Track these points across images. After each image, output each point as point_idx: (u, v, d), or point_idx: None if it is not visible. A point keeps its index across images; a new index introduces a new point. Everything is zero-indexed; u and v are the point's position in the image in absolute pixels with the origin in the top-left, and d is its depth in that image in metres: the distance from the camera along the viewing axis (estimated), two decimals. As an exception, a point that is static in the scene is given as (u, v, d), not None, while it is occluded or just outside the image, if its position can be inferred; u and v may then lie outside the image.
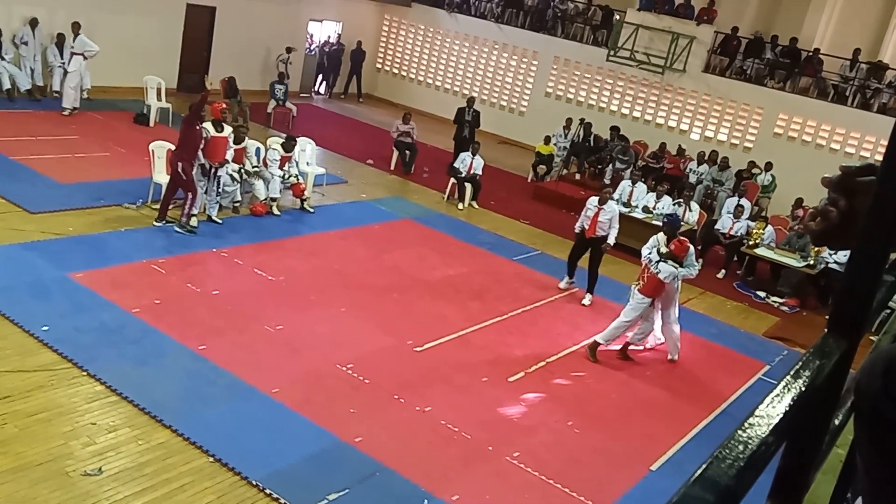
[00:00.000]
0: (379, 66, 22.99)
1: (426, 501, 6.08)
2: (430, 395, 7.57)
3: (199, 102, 10.23)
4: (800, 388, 0.68)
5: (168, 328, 7.80)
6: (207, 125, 10.52)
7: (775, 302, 12.19)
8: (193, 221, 10.38)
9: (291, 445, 6.44)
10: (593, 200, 10.47)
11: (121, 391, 6.66)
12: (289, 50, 19.68)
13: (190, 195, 10.14)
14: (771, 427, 0.59)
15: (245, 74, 16.74)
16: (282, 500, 5.76)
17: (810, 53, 17.52)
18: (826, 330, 0.86)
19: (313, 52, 21.27)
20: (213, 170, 10.61)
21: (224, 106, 11.32)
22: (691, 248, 9.05)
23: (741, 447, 0.55)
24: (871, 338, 3.31)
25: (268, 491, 5.82)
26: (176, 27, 17.49)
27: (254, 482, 5.89)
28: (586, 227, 10.40)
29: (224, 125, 10.85)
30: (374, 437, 6.74)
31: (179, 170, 10.04)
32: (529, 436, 7.29)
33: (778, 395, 0.66)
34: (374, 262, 10.75)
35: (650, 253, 8.94)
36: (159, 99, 15.27)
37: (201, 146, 10.30)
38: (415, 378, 7.86)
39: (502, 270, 11.29)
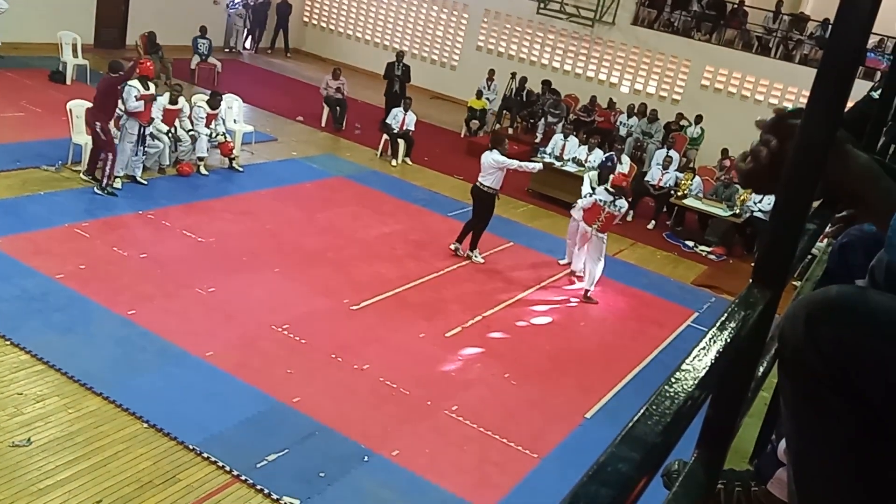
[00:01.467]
0: (306, 19, 22.43)
1: (366, 458, 6.12)
2: (368, 354, 7.58)
3: (130, 70, 9.89)
4: (725, 339, 0.69)
5: (95, 294, 7.59)
6: (135, 83, 10.15)
7: (703, 251, 12.53)
8: (117, 183, 10.06)
9: (228, 409, 6.39)
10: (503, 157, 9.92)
11: (47, 360, 6.47)
12: (246, 6, 19.50)
13: (110, 155, 9.81)
14: (697, 381, 0.59)
15: (165, 29, 16.11)
16: (220, 463, 5.73)
17: (735, 6, 17.79)
18: (751, 280, 0.88)
19: (237, 6, 20.63)
20: (142, 129, 10.28)
21: (151, 65, 10.90)
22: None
23: (668, 402, 0.55)
24: (795, 283, 3.42)
25: (205, 455, 5.78)
26: (90, -20, 16.68)
27: (191, 447, 5.83)
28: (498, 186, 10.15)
29: (150, 83, 10.47)
30: (312, 397, 6.73)
31: (98, 129, 9.70)
32: (467, 390, 7.38)
33: (704, 347, 0.66)
34: (307, 221, 10.61)
35: (601, 197, 9.65)
36: (75, 55, 14.62)
37: (120, 105, 9.97)
38: (352, 337, 7.86)
39: (437, 227, 11.28)
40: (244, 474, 5.67)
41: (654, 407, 0.54)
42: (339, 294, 8.65)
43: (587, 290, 9.85)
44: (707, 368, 0.62)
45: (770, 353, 1.30)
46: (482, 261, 10.24)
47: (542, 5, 18.13)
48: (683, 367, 0.62)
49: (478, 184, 10.04)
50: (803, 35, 16.97)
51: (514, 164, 9.96)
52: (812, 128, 0.81)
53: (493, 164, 9.81)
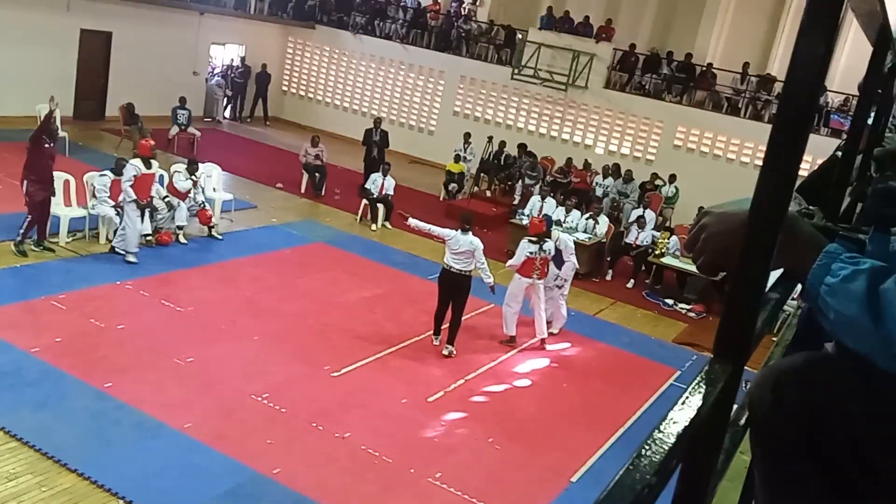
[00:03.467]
0: (285, 88, 22.76)
1: (348, 530, 5.98)
2: (349, 421, 7.47)
3: (44, 121, 10.05)
4: (685, 420, 0.68)
5: (70, 367, 7.46)
6: (137, 162, 10.24)
7: (683, 308, 12.58)
8: (132, 258, 10.18)
9: (207, 482, 6.24)
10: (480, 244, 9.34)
11: (20, 436, 6.32)
12: (225, 77, 20.09)
13: (29, 218, 9.77)
14: (655, 469, 0.58)
15: (145, 100, 16.29)
16: (198, 540, 5.56)
17: (704, 68, 18.27)
18: (711, 356, 0.88)
19: (216, 77, 20.94)
20: (143, 209, 10.36)
21: (152, 143, 10.90)
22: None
23: (624, 492, 0.54)
24: (773, 338, 3.41)
25: (183, 531, 5.62)
26: (70, 53, 16.88)
27: (167, 523, 5.67)
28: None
29: (152, 162, 10.52)
30: (293, 467, 6.59)
31: (24, 191, 9.73)
32: (450, 455, 7.27)
33: (662, 431, 0.65)
34: (286, 288, 10.56)
35: (529, 249, 9.70)
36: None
37: (52, 165, 10.00)
38: (332, 404, 7.75)
39: (417, 290, 11.27)
40: (223, 551, 5.51)
41: (608, 498, 0.53)
42: (319, 360, 8.57)
43: (551, 333, 10.26)
44: (664, 454, 0.61)
45: (744, 417, 1.29)
46: (455, 352, 9.36)
47: (516, 71, 18.53)
48: (642, 453, 0.61)
49: (454, 269, 9.11)
50: (771, 95, 17.41)
51: (483, 263, 9.26)
52: (765, 198, 0.82)
53: (469, 250, 9.07)
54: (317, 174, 15.39)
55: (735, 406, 1.11)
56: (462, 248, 9.07)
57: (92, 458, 6.23)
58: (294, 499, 6.20)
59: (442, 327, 9.53)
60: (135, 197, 10.18)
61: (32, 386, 7.07)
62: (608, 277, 13.38)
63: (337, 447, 7.03)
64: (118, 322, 8.63)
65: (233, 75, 21.18)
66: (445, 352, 9.30)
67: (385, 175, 14.17)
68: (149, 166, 10.37)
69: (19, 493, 5.73)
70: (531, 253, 9.70)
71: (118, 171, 10.75)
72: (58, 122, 13.76)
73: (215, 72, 21.10)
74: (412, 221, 9.73)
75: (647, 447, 0.62)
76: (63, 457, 6.16)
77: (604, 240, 13.48)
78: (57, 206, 10.46)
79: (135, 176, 10.15)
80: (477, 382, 8.82)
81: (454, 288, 9.21)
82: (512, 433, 7.86)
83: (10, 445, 6.22)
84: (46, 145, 9.86)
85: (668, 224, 14.72)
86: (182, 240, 11.40)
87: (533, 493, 6.91)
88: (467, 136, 17.65)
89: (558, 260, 10.23)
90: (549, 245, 9.85)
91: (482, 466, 7.20)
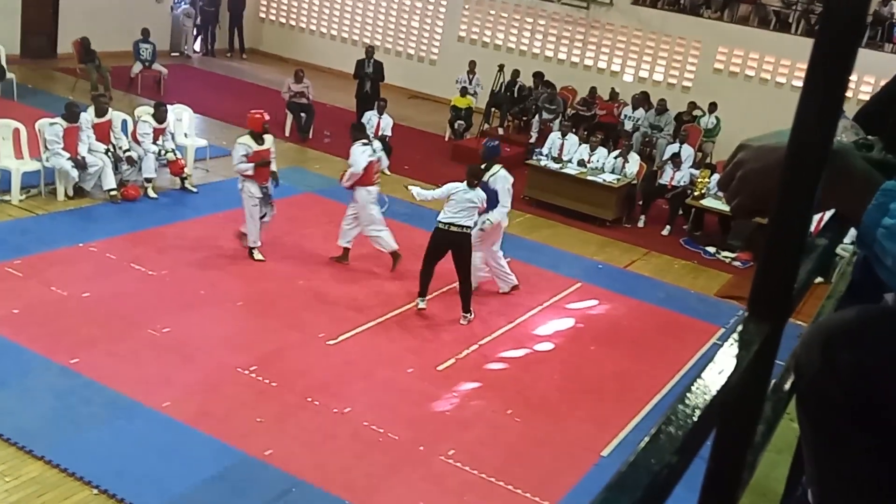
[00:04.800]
0: (263, 15, 22.54)
1: (351, 516, 6.09)
2: (349, 394, 7.56)
3: None
4: (714, 390, 0.68)
5: (30, 341, 7.55)
6: (245, 139, 9.99)
7: (726, 257, 12.57)
8: (257, 255, 10.18)
9: (190, 466, 6.35)
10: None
11: (-22, 421, 6.43)
12: (193, 4, 19.90)
13: None
14: (676, 446, 0.58)
15: (102, 34, 16.17)
16: (182, 531, 5.69)
17: (748, -23, 17.97)
18: (746, 313, 0.87)
19: (182, 3, 20.72)
20: (264, 190, 10.14)
21: (267, 117, 10.45)
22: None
23: (639, 474, 0.54)
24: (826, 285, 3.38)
25: (165, 522, 5.74)
26: (13, -20, 16.74)
27: (148, 513, 5.79)
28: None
29: (265, 137, 10.22)
30: (287, 448, 6.70)
31: None
32: (465, 430, 7.36)
33: (686, 403, 0.65)
34: (272, 245, 10.59)
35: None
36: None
37: None
38: (330, 376, 7.84)
39: (422, 244, 11.18)
40: (211, 542, 5.63)
41: (623, 479, 0.54)
42: (312, 327, 8.64)
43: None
44: (689, 429, 0.61)
45: (789, 382, 1.30)
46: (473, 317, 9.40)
47: (530, -13, 18.28)
48: (661, 428, 0.61)
49: (453, 228, 9.02)
50: (827, 7, 17.11)
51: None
52: (804, 137, 0.81)
53: (474, 202, 9.05)
54: (302, 114, 15.30)
55: (780, 368, 1.11)
56: (467, 202, 8.98)
57: (60, 443, 6.34)
58: (289, 482, 6.30)
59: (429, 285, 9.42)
60: (248, 171, 9.93)
61: (-11, 364, 7.17)
62: (640, 224, 13.35)
63: (336, 424, 7.12)
64: (83, 289, 8.69)
65: (201, 3, 20.95)
66: (464, 321, 9.27)
67: (381, 113, 14.08)
68: (261, 142, 10.16)
69: (-20, 483, 5.85)
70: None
71: (70, 116, 10.73)
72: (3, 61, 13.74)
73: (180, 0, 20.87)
74: (414, 191, 9.68)
75: (668, 422, 0.62)
76: (28, 442, 6.27)
77: (634, 181, 13.42)
78: (7, 159, 10.48)
79: (245, 155, 9.99)
80: (492, 347, 8.88)
81: (454, 248, 9.08)
82: (534, 404, 7.94)
83: (-32, 431, 6.33)
84: None
85: (708, 161, 14.62)
86: (151, 194, 11.43)
87: (559, 470, 7.00)
88: (472, 64, 17.45)
89: (492, 201, 9.74)
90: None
91: (501, 442, 7.30)
